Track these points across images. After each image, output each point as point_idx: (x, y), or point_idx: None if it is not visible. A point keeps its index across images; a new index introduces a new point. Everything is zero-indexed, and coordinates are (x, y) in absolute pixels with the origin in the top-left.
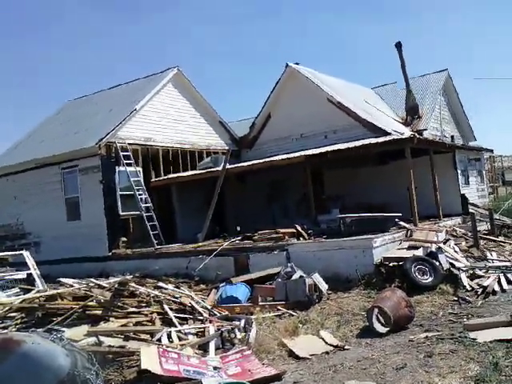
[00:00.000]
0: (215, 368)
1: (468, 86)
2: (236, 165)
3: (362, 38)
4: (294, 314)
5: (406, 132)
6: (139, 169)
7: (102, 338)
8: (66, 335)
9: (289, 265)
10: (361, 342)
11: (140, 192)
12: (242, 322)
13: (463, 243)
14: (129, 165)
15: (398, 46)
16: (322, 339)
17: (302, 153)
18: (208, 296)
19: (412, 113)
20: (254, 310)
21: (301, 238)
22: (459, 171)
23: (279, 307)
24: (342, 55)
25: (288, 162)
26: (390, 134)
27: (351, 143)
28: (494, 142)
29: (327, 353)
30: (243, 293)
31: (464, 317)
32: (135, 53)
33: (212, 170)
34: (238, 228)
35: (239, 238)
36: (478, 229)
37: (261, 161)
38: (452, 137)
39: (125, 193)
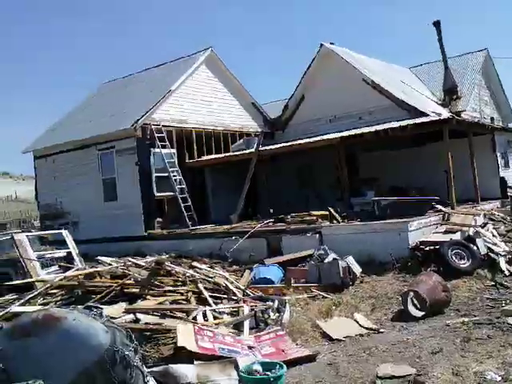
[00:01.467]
0: (250, 347)
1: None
2: (269, 147)
3: (400, 19)
4: (327, 296)
5: (444, 113)
6: (173, 150)
7: (139, 316)
8: (104, 312)
9: (321, 247)
10: (395, 325)
11: (174, 173)
12: (276, 302)
13: (502, 227)
14: (163, 146)
15: (437, 24)
16: (356, 322)
17: (337, 134)
18: (241, 277)
19: (450, 93)
20: (288, 291)
21: (334, 221)
22: (498, 154)
23: (312, 289)
24: (379, 36)
25: (322, 144)
26: (427, 115)
27: (387, 124)
28: None
29: (361, 335)
30: (276, 274)
31: (502, 302)
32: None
33: (245, 151)
34: (271, 210)
35: (272, 220)
36: None
37: (294, 143)
38: (492, 118)
39: (160, 174)
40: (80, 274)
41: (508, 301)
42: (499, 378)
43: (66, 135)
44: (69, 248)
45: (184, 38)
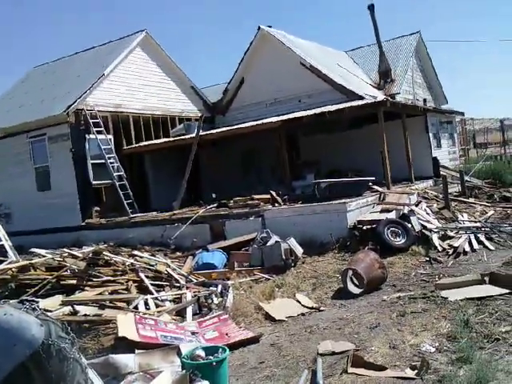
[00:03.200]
0: (193, 333)
1: (441, 49)
2: (209, 131)
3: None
4: (270, 278)
5: (379, 96)
6: (110, 136)
7: (77, 308)
8: (40, 306)
9: (264, 230)
10: (335, 303)
11: (111, 160)
12: (219, 287)
13: (435, 205)
14: (99, 132)
15: (371, 8)
16: (298, 301)
17: (278, 118)
18: (184, 263)
19: (385, 76)
20: (231, 275)
21: (276, 204)
22: (431, 134)
23: (255, 272)
24: (316, 18)
25: (263, 128)
26: (363, 97)
27: (326, 108)
28: (466, 105)
29: (303, 314)
30: (219, 259)
31: (435, 276)
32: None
33: (185, 137)
34: (214, 195)
35: (215, 205)
36: (450, 191)
37: (235, 127)
38: (424, 100)
39: (96, 161)
40: (13, 267)
41: (441, 275)
42: (433, 350)
43: None
44: (1, 240)
45: (120, 24)
